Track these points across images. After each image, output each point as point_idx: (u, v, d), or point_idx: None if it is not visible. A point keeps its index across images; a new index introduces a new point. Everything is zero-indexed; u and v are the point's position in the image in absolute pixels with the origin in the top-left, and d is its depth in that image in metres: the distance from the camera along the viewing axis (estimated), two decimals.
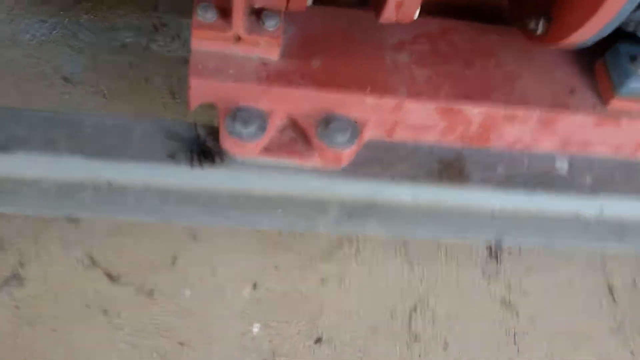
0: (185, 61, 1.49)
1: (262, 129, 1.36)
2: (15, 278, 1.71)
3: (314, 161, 1.41)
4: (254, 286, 1.79)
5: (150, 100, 2.21)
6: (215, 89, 1.34)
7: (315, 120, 1.39)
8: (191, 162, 1.41)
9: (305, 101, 1.38)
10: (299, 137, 1.42)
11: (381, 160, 1.49)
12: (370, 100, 1.38)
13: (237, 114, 1.35)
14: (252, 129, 1.34)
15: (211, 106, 1.40)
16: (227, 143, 1.37)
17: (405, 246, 1.91)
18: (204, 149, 1.43)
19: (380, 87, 1.38)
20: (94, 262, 1.76)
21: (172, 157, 1.41)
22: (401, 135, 1.49)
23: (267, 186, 1.48)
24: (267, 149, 1.39)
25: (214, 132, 1.45)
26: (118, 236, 1.82)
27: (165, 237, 1.83)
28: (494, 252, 1.91)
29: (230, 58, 1.35)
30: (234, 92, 1.35)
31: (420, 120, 1.42)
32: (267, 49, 1.33)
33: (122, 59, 2.27)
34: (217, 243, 1.85)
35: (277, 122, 1.41)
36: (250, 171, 1.43)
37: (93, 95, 2.17)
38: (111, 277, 1.75)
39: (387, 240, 1.93)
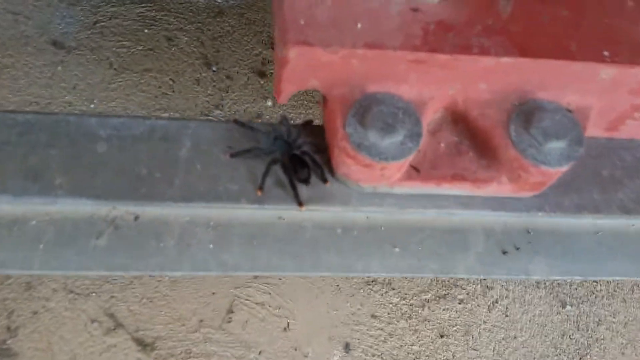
0: (221, 13, 0.85)
1: (415, 136, 0.73)
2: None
3: (499, 188, 0.78)
4: (346, 348, 1.20)
5: (177, 72, 1.56)
6: (329, 62, 0.70)
7: (503, 112, 0.76)
8: (292, 188, 0.80)
9: (493, 78, 0.74)
10: (468, 144, 0.79)
11: (595, 178, 0.86)
12: (609, 72, 0.74)
13: (371, 110, 0.72)
14: (398, 137, 0.71)
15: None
16: (350, 166, 0.74)
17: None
18: (299, 161, 0.81)
19: (627, 50, 0.74)
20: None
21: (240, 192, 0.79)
22: (632, 130, 0.86)
23: (390, 221, 0.86)
24: (415, 172, 0.76)
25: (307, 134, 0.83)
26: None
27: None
28: None
29: (356, 2, 0.71)
30: (364, 67, 0.71)
31: None
32: None
33: (133, 11, 1.61)
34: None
35: (429, 118, 0.78)
36: (371, 201, 0.81)
37: (96, 66, 1.52)
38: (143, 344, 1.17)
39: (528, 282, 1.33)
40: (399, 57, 0.71)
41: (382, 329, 1.31)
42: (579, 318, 1.37)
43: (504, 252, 1.11)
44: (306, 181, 0.79)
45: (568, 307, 1.37)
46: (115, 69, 1.53)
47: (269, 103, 1.57)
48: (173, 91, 1.54)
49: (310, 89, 0.78)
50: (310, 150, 0.82)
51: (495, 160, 0.78)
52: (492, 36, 0.72)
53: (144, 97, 1.52)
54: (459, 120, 0.80)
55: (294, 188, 0.79)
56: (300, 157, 0.81)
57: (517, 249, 1.12)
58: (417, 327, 1.32)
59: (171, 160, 0.79)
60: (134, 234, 1.05)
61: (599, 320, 1.36)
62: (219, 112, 1.55)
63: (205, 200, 0.78)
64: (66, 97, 1.49)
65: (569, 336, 1.34)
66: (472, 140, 0.79)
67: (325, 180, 0.80)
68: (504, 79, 0.75)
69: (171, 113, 1.52)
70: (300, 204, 0.78)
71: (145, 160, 0.78)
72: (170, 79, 1.55)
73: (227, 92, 1.58)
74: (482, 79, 0.75)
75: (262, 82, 1.60)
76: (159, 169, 0.78)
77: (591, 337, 1.35)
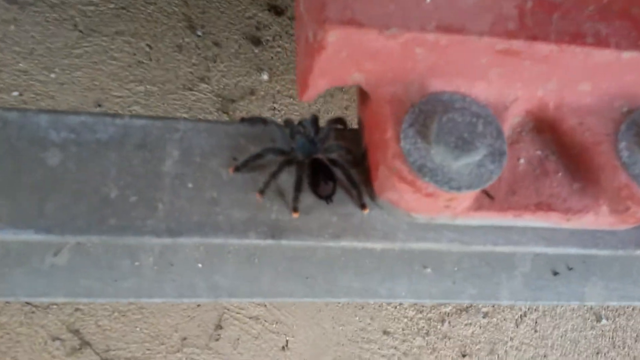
0: None
1: (497, 154, 0.52)
2: None
3: (595, 220, 0.59)
4: None
5: (155, 37, 1.31)
6: (384, 49, 0.49)
7: (609, 122, 0.56)
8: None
9: (602, 77, 0.54)
10: (556, 160, 0.59)
11: None
12: None
13: (437, 117, 0.51)
14: (476, 156, 0.50)
15: None
16: (403, 192, 0.53)
17: None
18: (323, 170, 0.60)
19: None
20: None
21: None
22: None
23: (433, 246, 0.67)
24: (487, 200, 0.56)
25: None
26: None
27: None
28: None
29: None
30: (431, 58, 0.50)
31: None
32: None
33: None
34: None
35: (507, 127, 0.57)
36: (425, 236, 0.60)
37: (57, 27, 1.27)
38: None
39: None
40: (485, 46, 0.49)
41: (395, 348, 1.13)
42: (614, 333, 1.21)
43: (555, 273, 0.93)
44: (328, 198, 0.59)
45: (604, 321, 1.21)
46: (80, 31, 1.28)
47: (265, 76, 1.34)
48: (150, 59, 1.30)
49: (348, 85, 0.56)
50: (342, 158, 0.60)
51: (594, 185, 0.58)
52: (610, 20, 0.51)
53: (115, 67, 1.28)
54: (545, 129, 0.59)
55: (297, 190, 0.57)
56: (326, 165, 0.59)
57: (570, 269, 0.94)
58: (435, 346, 1.14)
59: (152, 176, 0.57)
60: (101, 251, 0.84)
61: (637, 335, 1.21)
62: (204, 85, 1.31)
63: (199, 233, 0.56)
64: (20, 65, 1.23)
65: (604, 354, 1.19)
66: (562, 156, 0.59)
67: (363, 206, 0.59)
68: (616, 79, 0.54)
69: (147, 86, 1.28)
70: (295, 209, 0.57)
71: (115, 177, 0.56)
72: (147, 45, 1.30)
73: (214, 62, 1.34)
74: (587, 78, 0.54)
75: (256, 50, 1.36)
76: (135, 190, 0.56)
77: (628, 354, 1.19)
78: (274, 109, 1.33)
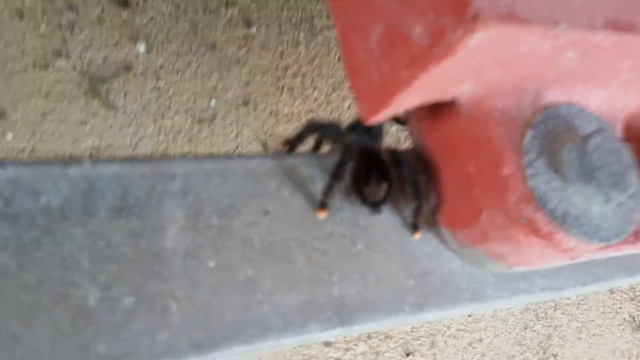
0: None
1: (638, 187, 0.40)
2: None
3: None
4: None
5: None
6: (530, 52, 0.33)
7: None
8: None
9: None
10: None
11: None
12: None
13: (583, 146, 0.37)
14: (629, 192, 0.38)
15: None
16: (527, 246, 0.39)
17: None
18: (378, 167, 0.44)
19: None
20: None
21: None
22: None
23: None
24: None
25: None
26: None
27: None
28: None
29: None
30: (576, 63, 0.36)
31: None
32: None
33: None
34: None
35: None
36: (516, 287, 0.48)
37: None
38: None
39: None
40: None
41: (339, 359, 1.01)
42: (536, 305, 1.22)
43: None
44: (376, 207, 0.42)
45: None
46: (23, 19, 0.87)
47: (142, 48, 1.06)
48: None
49: (439, 101, 0.39)
50: (411, 169, 0.44)
51: None
52: None
53: None
54: (633, 139, 0.49)
55: (333, 177, 0.42)
56: (383, 160, 0.43)
57: None
58: (379, 349, 1.04)
59: (150, 258, 0.35)
60: None
61: (555, 305, 1.24)
62: (62, 62, 1.00)
63: (240, 339, 0.36)
64: None
65: (531, 328, 1.20)
66: None
67: (415, 228, 0.44)
68: None
69: None
70: (322, 205, 0.41)
71: (89, 270, 0.33)
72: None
73: (71, 31, 1.02)
74: None
75: (124, 15, 1.07)
76: (128, 286, 0.34)
77: (550, 325, 1.22)
78: (159, 88, 1.07)
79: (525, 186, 0.38)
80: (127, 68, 1.06)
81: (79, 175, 0.34)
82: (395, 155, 0.44)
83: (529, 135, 0.39)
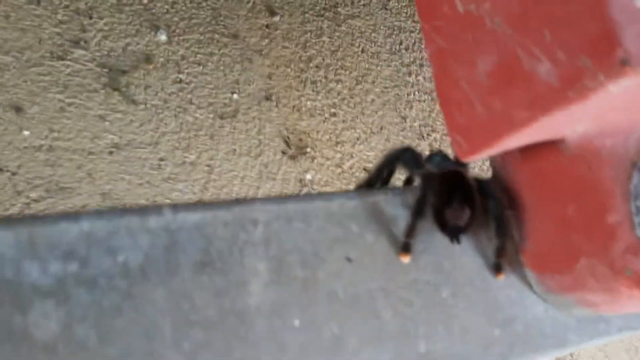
0: None
1: None
2: None
3: None
4: None
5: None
6: None
7: None
8: None
9: None
10: None
11: None
12: None
13: None
14: None
15: None
16: (628, 300, 0.36)
17: None
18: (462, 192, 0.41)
19: None
20: None
21: None
22: None
23: None
24: None
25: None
26: None
27: None
28: None
29: None
30: None
31: None
32: None
33: None
34: None
35: None
36: (595, 329, 0.45)
37: None
38: None
39: None
40: None
41: None
42: None
43: None
44: (456, 234, 0.39)
45: None
46: None
47: (163, 37, 1.01)
48: None
49: (544, 141, 0.36)
50: (498, 201, 0.41)
51: None
52: None
53: None
54: None
55: (417, 213, 0.39)
56: (468, 184, 0.40)
57: None
58: None
59: (234, 321, 0.32)
60: None
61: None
62: (81, 52, 0.95)
63: None
64: None
65: None
66: None
67: (498, 269, 0.41)
68: None
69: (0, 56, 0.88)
70: (405, 248, 0.38)
71: (172, 337, 0.30)
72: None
73: (89, 19, 0.97)
74: None
75: (144, 0, 1.02)
76: (213, 353, 0.31)
77: None
78: (180, 80, 1.02)
79: (633, 235, 0.35)
80: (148, 59, 1.01)
81: (159, 226, 0.31)
82: (482, 184, 0.41)
83: (635, 177, 0.35)
